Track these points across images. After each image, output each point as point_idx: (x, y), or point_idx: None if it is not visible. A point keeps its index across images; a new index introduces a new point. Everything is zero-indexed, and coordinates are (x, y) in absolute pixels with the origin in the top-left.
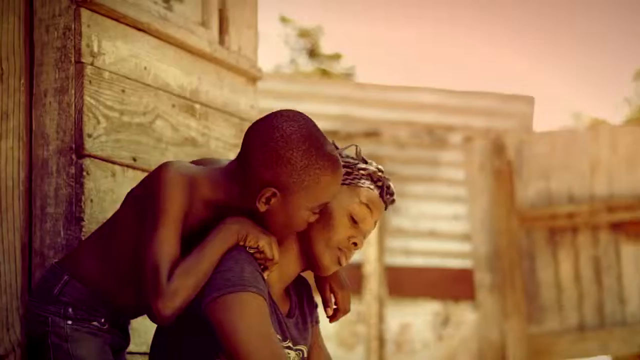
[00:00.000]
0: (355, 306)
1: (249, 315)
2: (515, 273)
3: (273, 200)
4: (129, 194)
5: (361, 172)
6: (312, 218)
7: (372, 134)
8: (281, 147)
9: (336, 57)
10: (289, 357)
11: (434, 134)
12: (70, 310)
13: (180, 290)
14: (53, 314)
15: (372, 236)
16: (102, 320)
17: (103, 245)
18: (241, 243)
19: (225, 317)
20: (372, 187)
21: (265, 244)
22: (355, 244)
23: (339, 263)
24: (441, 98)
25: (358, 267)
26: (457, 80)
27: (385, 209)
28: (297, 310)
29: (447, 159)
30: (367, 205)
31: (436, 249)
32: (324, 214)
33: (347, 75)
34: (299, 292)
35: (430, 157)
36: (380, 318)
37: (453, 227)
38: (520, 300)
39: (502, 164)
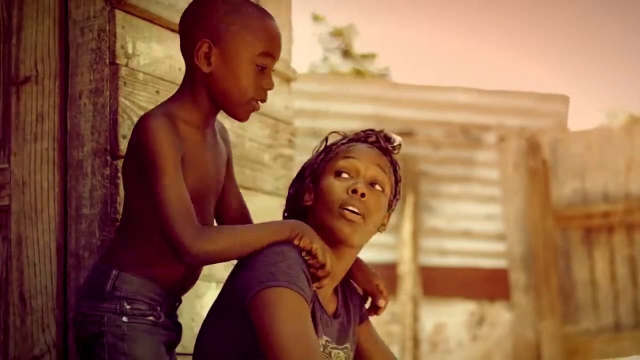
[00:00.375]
0: (389, 306)
1: (286, 312)
2: (551, 273)
3: (213, 57)
4: (123, 168)
5: (341, 142)
6: (265, 82)
7: (406, 134)
8: (204, 1)
9: (370, 56)
10: (339, 356)
11: (468, 134)
12: (125, 304)
13: (213, 240)
14: (108, 311)
15: (407, 236)
16: (158, 309)
17: (129, 225)
18: (295, 242)
19: (263, 313)
20: (355, 140)
21: (318, 247)
22: (355, 191)
23: (347, 219)
24: (476, 98)
25: (393, 267)
26: (492, 79)
27: (389, 152)
28: (342, 309)
29: (481, 159)
30: (348, 156)
31: (471, 249)
32: (319, 194)
33: (381, 75)
34: (343, 290)
35: (464, 157)
36: (415, 318)
37: (488, 227)
38: (556, 300)
39: (536, 164)
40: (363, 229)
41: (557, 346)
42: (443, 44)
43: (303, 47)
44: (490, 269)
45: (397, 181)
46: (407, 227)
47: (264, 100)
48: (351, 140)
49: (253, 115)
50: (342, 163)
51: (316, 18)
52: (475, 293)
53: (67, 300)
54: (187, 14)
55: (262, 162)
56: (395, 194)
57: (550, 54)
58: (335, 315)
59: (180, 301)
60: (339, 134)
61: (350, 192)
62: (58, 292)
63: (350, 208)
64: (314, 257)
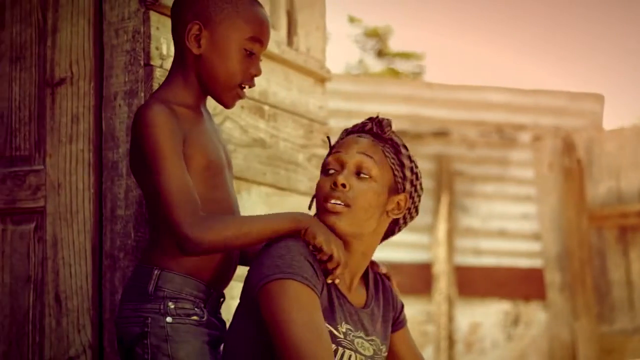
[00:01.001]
0: (424, 306)
1: (291, 303)
2: (586, 272)
3: (202, 40)
4: (131, 168)
5: (340, 138)
6: (253, 68)
7: (441, 134)
8: None
9: (404, 56)
10: (363, 346)
11: (503, 133)
12: (170, 304)
13: (214, 229)
14: (152, 312)
15: (442, 236)
16: (202, 306)
17: (155, 222)
18: (303, 236)
19: (269, 305)
20: (349, 136)
21: (322, 240)
22: (335, 183)
23: (330, 211)
24: (510, 97)
25: (427, 267)
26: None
27: (383, 137)
28: (373, 302)
29: (516, 158)
30: (335, 151)
31: (506, 249)
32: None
33: (416, 75)
34: (377, 288)
35: (499, 157)
36: (450, 318)
37: (523, 227)
38: (591, 300)
39: (571, 163)
40: (349, 216)
41: (592, 346)
42: (477, 44)
43: (340, 49)
44: (525, 269)
45: (401, 164)
46: (442, 227)
47: (251, 86)
48: (349, 133)
49: (287, 116)
50: (329, 159)
51: (352, 20)
52: (510, 293)
53: (103, 301)
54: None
55: (297, 162)
56: (403, 177)
57: (585, 53)
58: (364, 306)
59: (223, 297)
60: (348, 130)
61: (332, 186)
62: (93, 293)
63: (332, 201)
64: (320, 249)
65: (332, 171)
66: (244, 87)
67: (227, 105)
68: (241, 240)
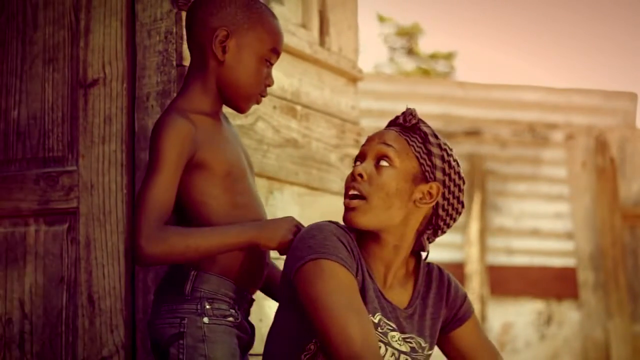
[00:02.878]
0: None
1: (328, 282)
2: (619, 271)
3: (229, 45)
4: None
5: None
6: (268, 78)
7: (473, 133)
8: None
9: (436, 55)
10: (394, 338)
11: (535, 132)
12: (206, 304)
13: (166, 243)
14: (189, 312)
15: (474, 235)
16: (237, 307)
17: (185, 224)
18: (261, 248)
19: (306, 287)
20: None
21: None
22: (353, 175)
23: (347, 207)
24: (543, 96)
25: (460, 267)
26: (558, 77)
27: (407, 126)
28: (418, 301)
29: (549, 157)
30: (361, 146)
31: (538, 248)
32: None
33: (448, 74)
34: (429, 286)
35: (532, 156)
36: (483, 317)
37: (555, 226)
38: (624, 299)
39: (604, 162)
40: (365, 208)
41: (626, 345)
42: (509, 42)
43: (368, 48)
44: (558, 268)
45: (428, 152)
46: (474, 226)
47: (264, 96)
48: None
49: (319, 116)
50: (356, 155)
51: (381, 19)
52: (543, 292)
53: (135, 301)
54: (202, 4)
55: (329, 162)
56: (432, 165)
57: (619, 52)
58: (407, 306)
59: (253, 300)
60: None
61: (351, 177)
62: (126, 293)
63: (351, 192)
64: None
65: (356, 164)
66: (261, 96)
67: (243, 111)
68: (192, 255)
